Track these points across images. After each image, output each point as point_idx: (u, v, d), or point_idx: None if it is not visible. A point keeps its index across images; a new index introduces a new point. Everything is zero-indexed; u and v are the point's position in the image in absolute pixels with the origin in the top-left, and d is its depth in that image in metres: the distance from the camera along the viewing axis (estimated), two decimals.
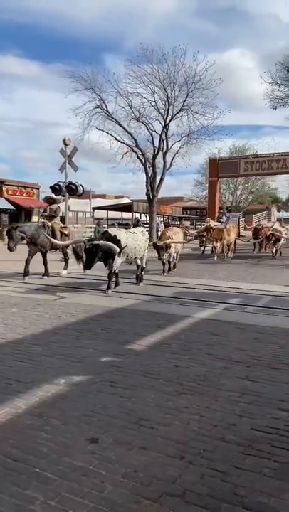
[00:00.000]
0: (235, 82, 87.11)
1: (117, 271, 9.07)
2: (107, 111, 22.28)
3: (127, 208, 31.83)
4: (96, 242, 8.36)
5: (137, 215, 31.10)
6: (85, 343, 5.10)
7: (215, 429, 3.02)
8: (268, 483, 2.41)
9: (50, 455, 2.70)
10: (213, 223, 18.16)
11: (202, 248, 18.78)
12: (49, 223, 11.06)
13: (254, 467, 2.57)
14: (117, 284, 9.26)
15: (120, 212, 36.12)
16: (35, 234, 10.51)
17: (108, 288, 8.75)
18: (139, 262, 9.78)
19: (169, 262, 11.89)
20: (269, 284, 9.95)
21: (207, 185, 29.34)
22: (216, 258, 15.87)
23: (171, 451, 2.75)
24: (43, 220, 11.77)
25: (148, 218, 24.99)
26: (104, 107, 22.16)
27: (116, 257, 8.40)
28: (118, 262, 8.67)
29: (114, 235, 8.66)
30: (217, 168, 26.23)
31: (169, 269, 11.97)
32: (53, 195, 13.90)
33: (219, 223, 18.46)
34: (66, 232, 11.58)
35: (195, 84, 21.33)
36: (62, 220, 13.93)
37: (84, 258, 8.60)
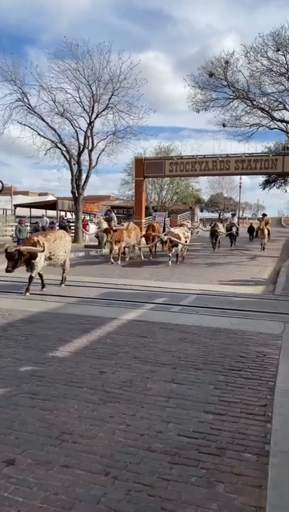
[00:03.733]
0: (156, 83, 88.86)
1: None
2: (30, 105, 21.42)
3: (52, 205, 30.79)
4: None
5: (63, 213, 30.30)
6: (3, 352, 4.73)
7: (141, 439, 2.91)
8: (196, 493, 2.34)
9: None
10: (103, 221, 17.32)
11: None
12: None
13: (181, 477, 2.49)
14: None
15: (44, 210, 34.94)
16: None
17: None
18: None
19: (31, 278, 8.31)
20: (193, 283, 10.18)
21: (134, 184, 29.45)
22: (113, 262, 14.64)
23: (96, 467, 2.59)
24: None
25: (74, 216, 24.46)
26: (26, 100, 21.27)
27: None
28: None
29: None
30: (143, 168, 26.43)
31: (27, 285, 8.27)
32: None
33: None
34: None
35: (120, 82, 21.27)
36: None
37: None
